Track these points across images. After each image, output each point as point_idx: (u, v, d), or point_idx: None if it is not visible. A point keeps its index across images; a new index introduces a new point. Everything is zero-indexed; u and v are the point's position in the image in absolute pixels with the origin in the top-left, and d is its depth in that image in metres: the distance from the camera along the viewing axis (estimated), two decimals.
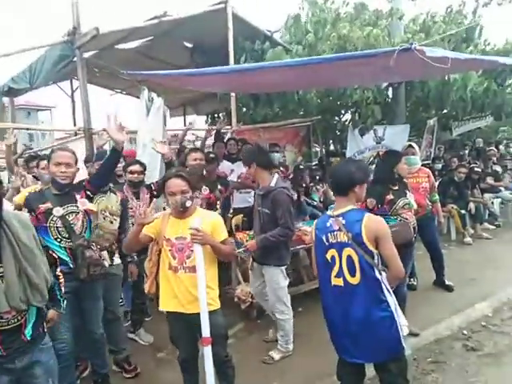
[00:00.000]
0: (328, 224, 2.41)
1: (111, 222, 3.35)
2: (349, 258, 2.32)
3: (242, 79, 4.05)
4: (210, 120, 11.21)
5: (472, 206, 7.06)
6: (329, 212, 2.48)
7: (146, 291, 2.78)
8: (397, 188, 3.66)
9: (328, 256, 2.40)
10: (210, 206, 4.11)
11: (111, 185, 3.42)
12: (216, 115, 11.06)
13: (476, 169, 7.60)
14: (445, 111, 9.42)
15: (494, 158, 8.54)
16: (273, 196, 3.41)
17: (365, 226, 2.28)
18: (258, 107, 6.96)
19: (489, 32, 8.54)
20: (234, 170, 5.62)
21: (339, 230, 2.34)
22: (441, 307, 4.43)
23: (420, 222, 4.59)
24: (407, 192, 3.69)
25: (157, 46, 7.96)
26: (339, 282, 2.35)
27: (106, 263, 3.07)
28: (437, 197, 4.83)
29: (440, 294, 4.81)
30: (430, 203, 4.69)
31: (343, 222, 2.34)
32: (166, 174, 2.75)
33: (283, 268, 3.61)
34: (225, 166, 5.54)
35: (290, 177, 7.04)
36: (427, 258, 5.00)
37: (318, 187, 7.30)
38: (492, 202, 7.73)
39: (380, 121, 8.65)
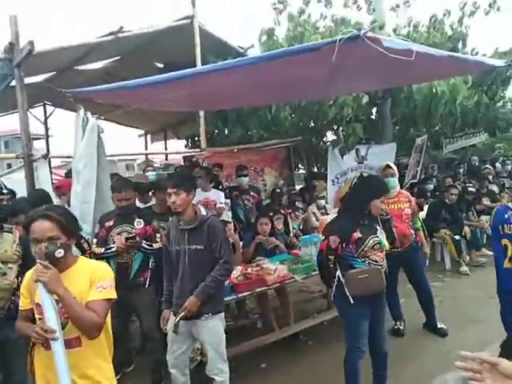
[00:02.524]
0: (506, 216, 2.53)
1: (4, 274, 2.66)
2: None
3: (192, 88, 3.44)
4: (190, 144, 10.71)
5: (467, 230, 6.34)
6: (510, 204, 2.57)
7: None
8: (365, 223, 2.94)
9: (502, 243, 2.55)
10: (148, 240, 3.48)
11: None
12: (196, 138, 10.63)
13: (470, 189, 6.94)
14: (436, 128, 8.91)
15: (490, 177, 7.90)
16: (208, 226, 2.81)
17: None
18: (227, 127, 6.36)
19: (477, 42, 8.03)
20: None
21: None
22: (432, 358, 3.69)
23: (405, 255, 3.95)
24: (378, 228, 2.98)
25: (125, 67, 7.46)
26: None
27: None
28: (419, 223, 4.17)
29: (431, 340, 4.06)
30: (413, 232, 4.02)
31: None
32: (30, 213, 2.06)
33: (223, 314, 2.99)
34: None
35: (265, 203, 6.44)
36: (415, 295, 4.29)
37: (298, 213, 6.66)
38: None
39: (365, 140, 8.11)
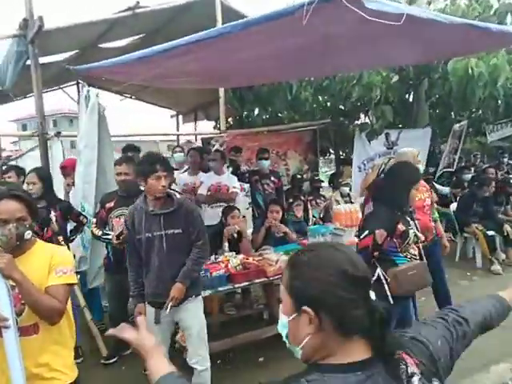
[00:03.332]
0: None
1: None
2: None
3: (175, 64, 3.24)
4: (218, 125, 10.59)
5: (508, 228, 5.65)
6: None
7: None
8: (401, 214, 2.68)
9: None
10: None
11: None
12: (226, 120, 10.54)
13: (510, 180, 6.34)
14: (479, 113, 8.25)
15: None
16: (186, 209, 2.72)
17: None
18: (244, 108, 6.12)
19: None
20: (203, 182, 4.82)
21: None
22: None
23: (425, 250, 3.63)
24: (409, 220, 2.75)
25: (150, 45, 7.33)
26: None
27: None
28: (437, 214, 3.86)
29: None
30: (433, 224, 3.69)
31: None
32: None
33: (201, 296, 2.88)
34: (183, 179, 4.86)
35: (285, 188, 6.21)
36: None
37: (319, 201, 6.37)
38: None
39: (398, 124, 7.63)
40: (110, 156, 3.90)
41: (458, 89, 5.50)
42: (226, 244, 3.85)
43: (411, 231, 2.65)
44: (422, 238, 2.84)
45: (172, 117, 12.75)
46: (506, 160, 8.66)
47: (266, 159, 5.52)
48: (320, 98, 6.69)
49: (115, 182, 3.57)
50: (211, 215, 4.66)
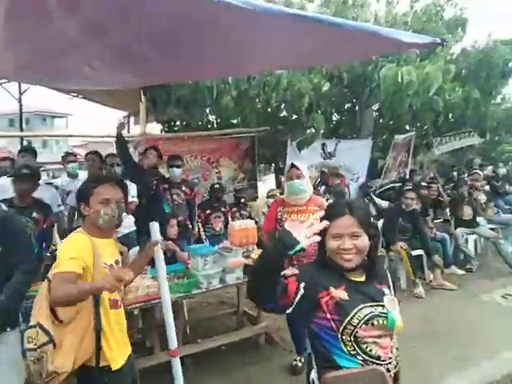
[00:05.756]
0: None
1: None
2: None
3: None
4: (166, 128, 10.15)
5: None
6: None
7: None
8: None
9: None
10: None
11: None
12: (173, 123, 10.14)
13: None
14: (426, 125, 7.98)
15: (479, 184, 6.88)
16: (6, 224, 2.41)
17: None
18: (157, 110, 5.68)
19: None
20: None
21: None
22: None
23: None
24: (385, 288, 1.61)
25: None
26: None
27: None
28: None
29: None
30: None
31: None
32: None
33: None
34: None
35: (200, 200, 5.79)
36: None
37: (244, 212, 5.97)
38: (466, 240, 6.07)
39: (340, 134, 7.33)
40: None
41: (386, 97, 5.16)
42: None
43: (373, 309, 1.49)
44: (400, 328, 1.53)
45: (124, 118, 12.27)
46: (455, 174, 8.41)
47: (178, 167, 5.07)
48: (252, 103, 6.27)
49: None
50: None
